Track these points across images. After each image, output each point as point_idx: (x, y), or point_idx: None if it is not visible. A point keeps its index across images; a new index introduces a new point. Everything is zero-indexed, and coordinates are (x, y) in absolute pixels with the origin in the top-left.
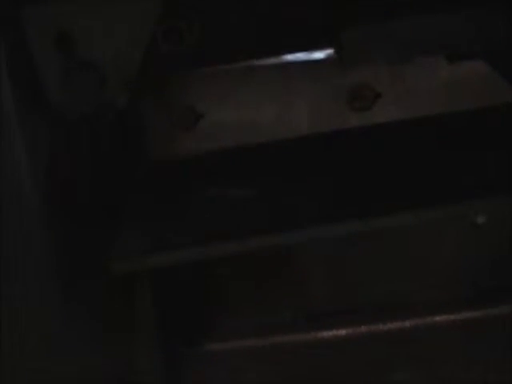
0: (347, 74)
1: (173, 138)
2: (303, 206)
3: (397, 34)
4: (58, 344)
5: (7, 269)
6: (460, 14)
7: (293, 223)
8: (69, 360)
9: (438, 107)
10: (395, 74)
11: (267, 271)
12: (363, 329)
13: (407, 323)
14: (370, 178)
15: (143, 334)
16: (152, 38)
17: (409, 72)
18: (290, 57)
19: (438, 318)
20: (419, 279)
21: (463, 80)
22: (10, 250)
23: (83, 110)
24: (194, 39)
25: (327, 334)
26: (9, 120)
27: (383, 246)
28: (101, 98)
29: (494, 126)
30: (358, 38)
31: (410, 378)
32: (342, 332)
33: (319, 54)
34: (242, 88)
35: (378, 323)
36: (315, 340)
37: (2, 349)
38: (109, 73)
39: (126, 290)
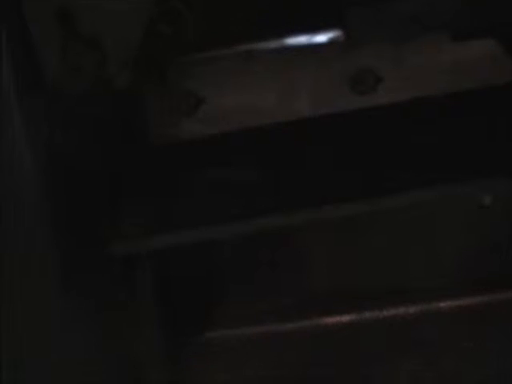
0: (349, 58)
1: (173, 123)
2: (306, 188)
3: (401, 13)
4: (58, 336)
5: (6, 248)
6: None
7: (296, 204)
8: (69, 353)
9: (439, 89)
10: (397, 58)
11: (268, 258)
12: (366, 315)
13: (411, 309)
14: (373, 159)
15: (144, 323)
16: (152, 18)
17: (410, 55)
18: (290, 40)
19: (442, 304)
20: (423, 264)
21: (466, 61)
22: (9, 229)
23: (82, 88)
24: (193, 21)
25: (330, 320)
26: (8, 97)
27: (386, 230)
28: (100, 76)
29: (498, 106)
30: (364, 18)
31: (414, 364)
32: (345, 318)
33: (321, 38)
34: (242, 72)
35: (381, 309)
36: (317, 327)
37: (3, 342)
38: (108, 51)
39: (127, 278)
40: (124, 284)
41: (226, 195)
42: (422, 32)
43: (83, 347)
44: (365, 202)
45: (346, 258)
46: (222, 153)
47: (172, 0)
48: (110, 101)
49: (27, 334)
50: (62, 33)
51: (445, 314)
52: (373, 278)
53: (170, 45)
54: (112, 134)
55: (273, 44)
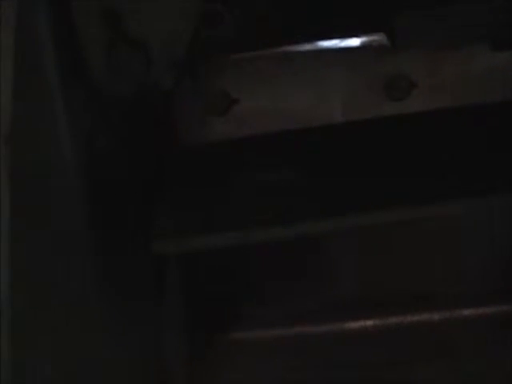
0: (384, 63)
1: (205, 123)
2: (341, 193)
3: (448, 20)
4: (88, 318)
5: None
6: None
7: (333, 210)
8: (94, 349)
9: (473, 97)
10: (432, 64)
11: (295, 261)
12: (390, 320)
13: (435, 316)
14: (408, 166)
15: (170, 317)
16: (202, 19)
17: (445, 62)
18: (327, 43)
19: (466, 312)
20: (448, 271)
21: (500, 70)
22: (52, 224)
23: (126, 89)
24: (233, 23)
25: (354, 325)
26: (52, 93)
27: (412, 236)
28: (146, 77)
29: None
30: (410, 24)
31: (437, 371)
32: (369, 323)
33: (356, 42)
34: (277, 74)
35: (405, 315)
36: (341, 331)
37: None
38: (156, 52)
39: (157, 270)
40: (155, 283)
41: (263, 197)
42: (467, 40)
43: (109, 344)
44: (400, 210)
45: (371, 263)
46: (255, 155)
47: (215, 2)
48: (152, 102)
49: (55, 313)
50: (108, 33)
51: (469, 320)
52: (397, 284)
53: (211, 46)
54: (146, 133)
55: (309, 46)
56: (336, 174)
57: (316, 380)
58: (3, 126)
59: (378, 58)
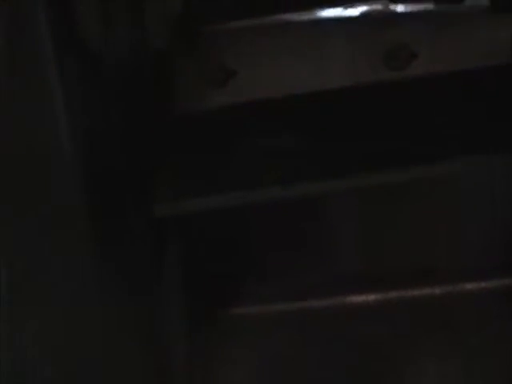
0: (384, 33)
1: (204, 93)
2: (341, 156)
3: None
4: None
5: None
6: None
7: (332, 171)
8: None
9: (475, 64)
10: (432, 34)
11: (296, 236)
12: (392, 294)
13: (437, 290)
14: (407, 128)
15: (170, 292)
16: None
17: (446, 32)
18: (324, 13)
19: (468, 286)
20: (450, 245)
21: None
22: (43, 193)
23: (121, 51)
24: None
25: (355, 299)
26: (46, 58)
27: (414, 209)
28: (139, 38)
29: None
30: None
31: (439, 345)
32: (371, 297)
33: (355, 12)
34: (276, 44)
35: (407, 289)
36: (343, 305)
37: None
38: (148, 11)
39: (157, 245)
40: (154, 257)
41: (263, 162)
42: None
43: (107, 319)
44: (398, 172)
45: (373, 237)
46: (254, 120)
47: None
48: (145, 64)
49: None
50: None
51: (471, 294)
52: (399, 258)
53: (206, 10)
54: (145, 97)
55: (308, 16)
56: (336, 137)
57: (317, 355)
58: None
59: (378, 27)
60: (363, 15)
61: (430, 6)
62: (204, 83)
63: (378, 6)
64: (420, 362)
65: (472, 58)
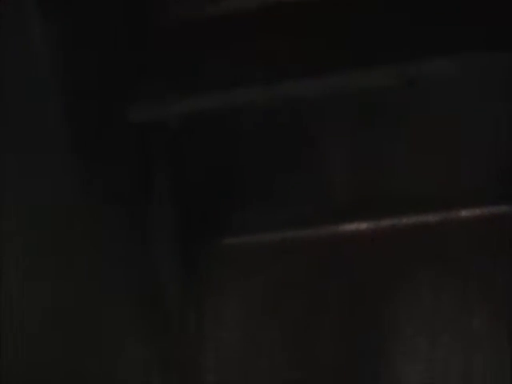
0: None
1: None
2: (327, 57)
3: None
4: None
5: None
6: None
7: (316, 72)
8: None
9: None
10: None
11: (287, 164)
12: (385, 222)
13: (431, 217)
14: (397, 27)
15: (161, 225)
16: None
17: None
18: None
19: (463, 213)
20: (445, 172)
21: None
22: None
23: None
24: None
25: (348, 227)
26: None
27: (408, 134)
28: None
29: None
30: None
31: (436, 272)
32: (363, 226)
33: None
34: None
35: (400, 217)
36: (336, 234)
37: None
38: None
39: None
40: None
41: (248, 63)
42: None
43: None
44: (384, 69)
45: (367, 165)
46: (241, 26)
47: None
48: None
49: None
50: None
51: (466, 222)
52: (393, 184)
53: None
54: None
55: None
56: (324, 36)
57: (311, 284)
58: None
59: None
60: None
61: None
62: None
63: None
64: (416, 289)
65: None
